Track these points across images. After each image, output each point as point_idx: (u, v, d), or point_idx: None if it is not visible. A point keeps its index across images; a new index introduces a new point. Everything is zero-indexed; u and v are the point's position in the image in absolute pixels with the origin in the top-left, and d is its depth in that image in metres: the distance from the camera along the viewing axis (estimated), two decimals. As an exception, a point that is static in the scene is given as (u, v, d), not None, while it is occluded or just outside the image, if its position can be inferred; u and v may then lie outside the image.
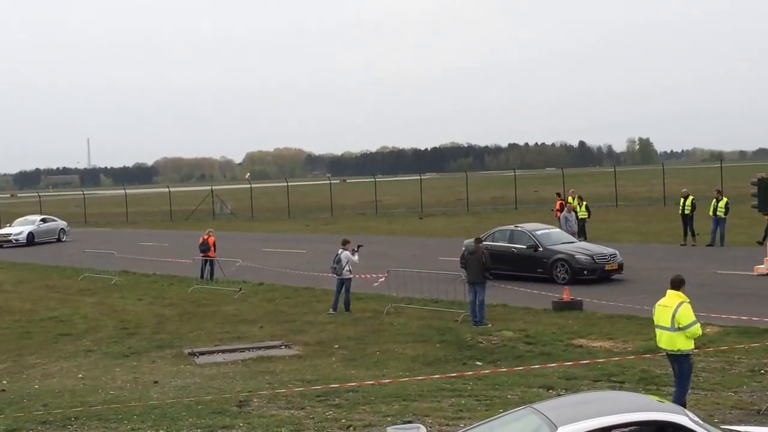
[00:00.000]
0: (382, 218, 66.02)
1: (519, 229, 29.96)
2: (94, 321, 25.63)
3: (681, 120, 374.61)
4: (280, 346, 21.20)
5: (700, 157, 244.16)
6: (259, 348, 20.93)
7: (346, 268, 24.78)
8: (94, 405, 15.65)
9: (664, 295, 13.47)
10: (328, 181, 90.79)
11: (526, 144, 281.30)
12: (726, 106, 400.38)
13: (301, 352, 20.47)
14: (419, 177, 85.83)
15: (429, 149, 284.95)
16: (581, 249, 28.68)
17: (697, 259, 32.02)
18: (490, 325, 21.89)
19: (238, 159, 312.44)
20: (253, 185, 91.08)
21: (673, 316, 13.04)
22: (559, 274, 27.77)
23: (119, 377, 18.48)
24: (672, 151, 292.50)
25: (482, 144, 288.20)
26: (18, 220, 57.28)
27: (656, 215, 53.95)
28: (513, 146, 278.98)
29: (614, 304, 23.81)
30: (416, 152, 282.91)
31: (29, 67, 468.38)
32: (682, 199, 37.50)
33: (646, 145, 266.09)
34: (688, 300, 13.27)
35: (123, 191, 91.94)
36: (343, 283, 24.85)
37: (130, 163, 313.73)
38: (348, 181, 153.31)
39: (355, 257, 25.17)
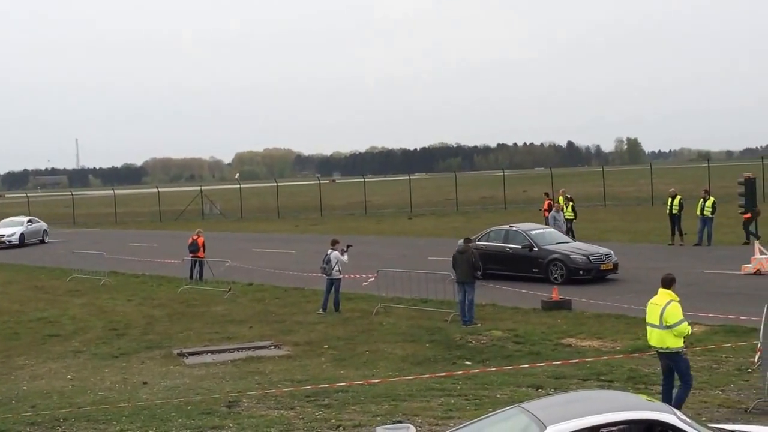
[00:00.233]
0: (371, 218, 66.03)
1: (514, 229, 29.97)
2: (82, 322, 25.55)
3: (669, 120, 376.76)
4: (270, 346, 21.18)
5: (687, 157, 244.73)
6: (249, 348, 20.90)
7: (336, 268, 24.78)
8: (82, 406, 15.60)
9: (655, 294, 13.51)
10: (318, 182, 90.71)
11: (515, 144, 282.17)
12: (713, 107, 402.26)
13: (290, 352, 20.45)
14: (408, 177, 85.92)
15: (418, 149, 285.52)
16: (576, 249, 28.71)
17: (684, 258, 32.10)
18: (479, 325, 21.91)
19: (227, 159, 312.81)
20: (242, 185, 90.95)
21: (662, 314, 13.10)
22: (554, 274, 27.79)
23: (108, 378, 18.43)
24: (660, 151, 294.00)
25: (471, 144, 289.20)
26: (4, 221, 56.93)
27: (644, 215, 54.07)
28: (502, 146, 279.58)
29: (603, 303, 23.86)
30: (405, 152, 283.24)
31: (17, 67, 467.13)
32: (669, 199, 37.60)
33: (634, 145, 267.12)
34: (677, 299, 13.31)
35: (112, 192, 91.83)
36: (333, 284, 24.85)
37: (118, 164, 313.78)
38: (337, 181, 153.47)
39: (345, 257, 25.17)
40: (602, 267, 27.92)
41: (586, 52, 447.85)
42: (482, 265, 28.60)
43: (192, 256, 32.80)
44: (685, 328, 13.17)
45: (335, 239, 25.96)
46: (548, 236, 29.59)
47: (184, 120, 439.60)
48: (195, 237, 33.02)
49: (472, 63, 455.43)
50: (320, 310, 24.92)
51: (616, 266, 28.26)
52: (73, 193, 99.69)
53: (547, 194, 46.98)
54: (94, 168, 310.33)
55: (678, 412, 9.26)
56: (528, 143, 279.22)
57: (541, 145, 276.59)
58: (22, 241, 53.41)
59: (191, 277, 32.52)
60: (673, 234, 37.09)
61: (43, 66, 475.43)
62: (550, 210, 40.40)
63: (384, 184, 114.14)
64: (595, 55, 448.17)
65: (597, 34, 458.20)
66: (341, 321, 23.66)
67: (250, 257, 38.84)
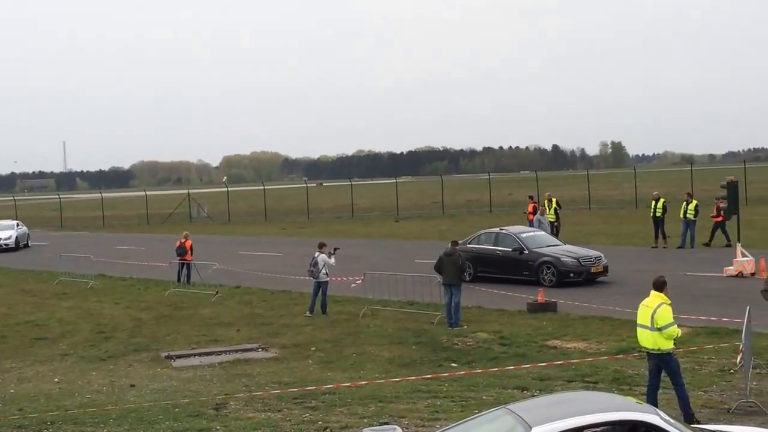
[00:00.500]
0: (358, 221, 66.05)
1: (504, 231, 30.02)
2: (70, 325, 25.45)
3: (652, 124, 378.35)
4: (257, 348, 21.14)
5: (671, 161, 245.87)
6: (236, 351, 20.85)
7: (323, 271, 24.78)
8: (70, 409, 15.55)
9: (643, 296, 13.57)
10: (305, 185, 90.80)
11: (501, 148, 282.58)
12: (696, 112, 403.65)
13: (277, 354, 20.42)
14: (395, 180, 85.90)
15: (405, 153, 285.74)
16: (567, 252, 28.75)
17: (668, 260, 32.22)
18: (465, 327, 21.93)
19: (214, 162, 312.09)
20: (229, 189, 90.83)
21: (653, 317, 13.15)
22: (545, 277, 27.82)
23: (95, 381, 18.36)
24: (644, 154, 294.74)
25: (457, 147, 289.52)
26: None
27: (628, 218, 54.25)
28: (488, 150, 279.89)
29: (588, 305, 23.92)
30: (392, 156, 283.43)
31: (5, 72, 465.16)
32: (653, 202, 37.75)
33: (618, 148, 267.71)
34: (669, 302, 13.37)
35: (99, 195, 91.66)
36: (320, 286, 24.83)
37: (106, 167, 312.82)
38: (324, 184, 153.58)
39: (332, 260, 25.16)
40: (592, 270, 27.98)
41: (571, 59, 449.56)
42: (473, 268, 28.91)
43: (179, 259, 32.72)
44: (675, 330, 13.24)
45: (322, 242, 25.94)
46: (539, 239, 29.67)
47: (171, 123, 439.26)
48: (182, 240, 32.93)
49: (457, 70, 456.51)
50: (307, 312, 24.90)
51: (606, 269, 28.33)
52: (61, 196, 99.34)
53: (531, 197, 47.08)
54: (82, 171, 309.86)
55: (661, 413, 9.30)
56: (513, 147, 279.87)
57: (527, 148, 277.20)
58: (18, 245, 53.21)
59: (179, 280, 32.43)
60: (656, 237, 37.22)
61: (31, 70, 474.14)
62: (534, 213, 40.54)
63: (371, 188, 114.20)
64: (581, 62, 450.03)
65: (582, 43, 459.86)
66: (328, 323, 23.64)
67: (238, 260, 38.80)
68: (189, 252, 32.76)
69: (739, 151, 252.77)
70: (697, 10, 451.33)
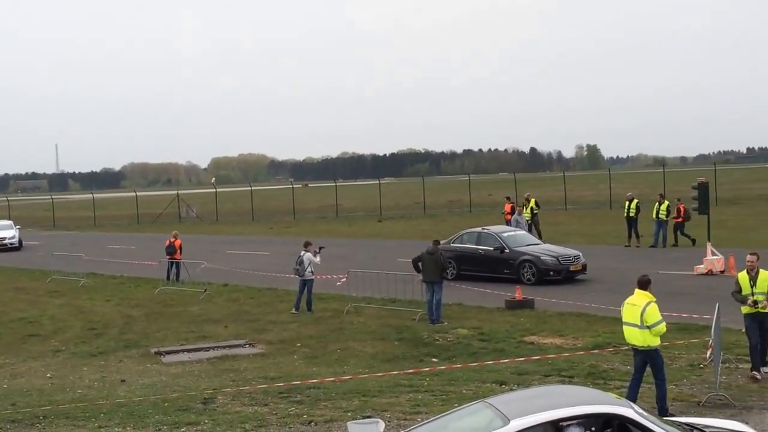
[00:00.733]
0: (342, 221, 66.01)
1: (486, 231, 30.07)
2: (62, 322, 25.34)
3: (626, 128, 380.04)
4: (244, 345, 21.09)
5: (644, 163, 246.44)
6: (224, 347, 20.81)
7: (309, 269, 24.74)
8: (62, 404, 15.48)
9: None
10: (291, 186, 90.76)
11: (480, 150, 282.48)
12: (669, 116, 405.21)
13: (264, 350, 20.38)
14: (378, 182, 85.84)
15: (387, 155, 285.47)
16: (547, 250, 28.82)
17: (640, 259, 32.33)
18: (445, 324, 21.94)
19: (203, 164, 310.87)
20: (218, 190, 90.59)
21: (642, 315, 13.17)
22: (525, 275, 27.88)
23: (87, 376, 18.28)
24: (618, 156, 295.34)
25: (438, 150, 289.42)
26: None
27: (603, 218, 54.40)
28: (468, 152, 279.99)
29: (564, 302, 23.98)
30: (375, 158, 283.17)
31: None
32: (627, 203, 37.89)
33: (593, 151, 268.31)
34: (654, 300, 13.41)
35: (91, 195, 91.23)
36: (306, 284, 24.80)
37: (97, 168, 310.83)
38: (310, 185, 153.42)
39: (317, 258, 25.14)
40: (571, 268, 28.05)
41: (548, 67, 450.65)
42: (457, 266, 28.97)
43: (169, 258, 32.64)
44: (663, 327, 13.31)
45: (308, 241, 25.91)
46: (519, 238, 29.75)
47: (161, 126, 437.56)
48: (172, 239, 32.85)
49: (439, 77, 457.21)
50: (293, 309, 24.86)
51: (584, 267, 28.43)
52: (53, 196, 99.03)
53: (508, 198, 47.19)
54: (74, 172, 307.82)
55: (635, 406, 9.33)
56: (493, 149, 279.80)
57: (505, 151, 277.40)
58: (21, 244, 52.77)
59: (168, 278, 32.35)
60: (629, 236, 37.36)
61: (24, 75, 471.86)
62: (512, 213, 40.68)
63: (355, 189, 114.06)
64: (558, 69, 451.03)
65: (558, 52, 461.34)
66: (313, 320, 23.61)
67: (226, 259, 38.72)
68: (178, 251, 32.68)
69: (709, 153, 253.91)
70: (670, 20, 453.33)
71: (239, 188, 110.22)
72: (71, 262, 35.25)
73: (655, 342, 13.28)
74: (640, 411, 9.22)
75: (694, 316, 20.22)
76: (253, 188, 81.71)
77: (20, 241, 52.99)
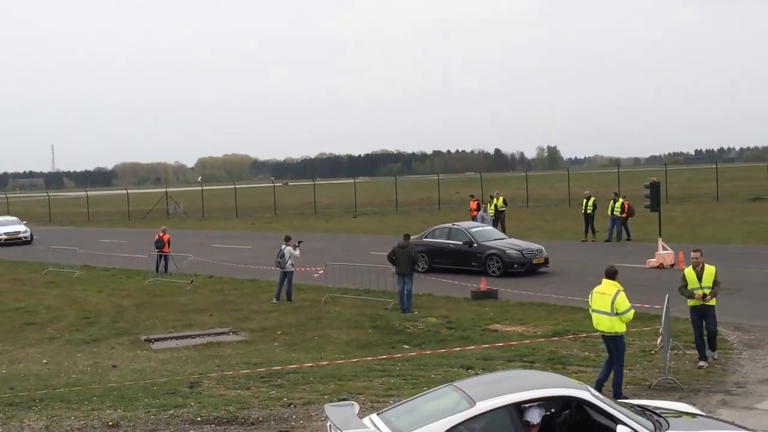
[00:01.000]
0: (320, 217, 65.89)
1: (456, 227, 30.13)
2: (57, 311, 25.16)
3: (584, 131, 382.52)
4: (228, 332, 21.02)
5: (600, 164, 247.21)
6: (209, 334, 20.73)
7: (289, 261, 24.70)
8: (57, 388, 15.37)
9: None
10: (272, 184, 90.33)
11: (449, 151, 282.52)
12: (623, 120, 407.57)
13: (247, 337, 20.32)
14: (353, 180, 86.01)
15: (362, 156, 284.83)
16: (511, 245, 28.91)
17: (596, 253, 32.50)
18: (416, 313, 21.96)
19: (190, 164, 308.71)
20: (203, 188, 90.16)
21: (612, 303, 13.24)
22: (492, 268, 27.92)
23: (81, 362, 18.16)
24: (576, 157, 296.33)
25: (410, 151, 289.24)
26: (2, 219, 55.18)
27: (562, 215, 54.62)
28: (437, 153, 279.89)
29: (526, 293, 24.06)
30: (351, 158, 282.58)
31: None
32: (584, 200, 38.10)
33: (553, 152, 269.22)
34: (622, 288, 13.49)
35: (85, 193, 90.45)
36: (286, 275, 24.75)
37: (91, 167, 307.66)
38: (290, 184, 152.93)
39: (297, 252, 25.10)
40: (534, 261, 28.15)
41: (512, 74, 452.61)
42: (429, 260, 29.03)
43: (158, 252, 32.48)
44: (632, 314, 13.41)
45: (288, 236, 25.86)
46: (486, 233, 29.82)
47: (151, 128, 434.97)
48: (161, 234, 32.70)
49: (410, 83, 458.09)
50: (274, 299, 24.81)
51: (546, 260, 28.53)
52: (49, 194, 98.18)
53: (472, 195, 47.33)
54: (69, 171, 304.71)
55: (591, 389, 9.37)
56: (460, 150, 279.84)
57: (472, 152, 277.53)
58: (32, 238, 52.19)
59: (157, 270, 32.18)
60: (586, 231, 37.55)
61: (21, 79, 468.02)
62: (478, 210, 40.81)
63: (332, 187, 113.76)
64: (521, 76, 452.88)
65: (521, 60, 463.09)
66: (293, 309, 23.57)
67: (211, 252, 38.56)
68: (166, 245, 32.53)
69: (660, 155, 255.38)
70: (623, 33, 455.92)
71: (224, 186, 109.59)
72: (66, 255, 35.02)
73: (621, 329, 13.38)
74: (596, 394, 9.27)
75: (646, 306, 20.33)
76: (236, 186, 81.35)
77: (31, 235, 52.39)
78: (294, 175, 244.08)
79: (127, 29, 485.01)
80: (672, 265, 27.73)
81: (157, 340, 20.35)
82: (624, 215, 36.56)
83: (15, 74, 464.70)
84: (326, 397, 13.65)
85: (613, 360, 13.50)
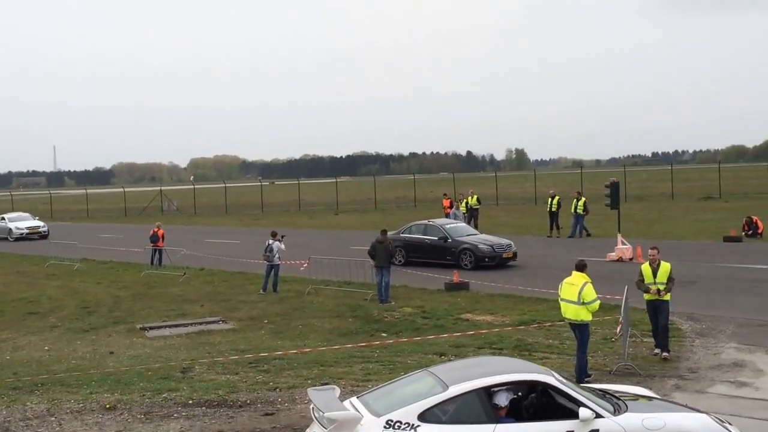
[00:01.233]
0: (304, 214, 65.75)
1: (431, 223, 30.12)
2: (58, 301, 24.98)
3: (549, 134, 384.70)
4: (218, 321, 20.94)
5: (564, 165, 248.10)
6: (200, 323, 20.64)
7: (277, 255, 24.67)
8: (58, 373, 15.28)
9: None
10: (259, 183, 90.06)
11: (424, 153, 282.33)
12: (585, 125, 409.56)
13: (235, 326, 20.24)
14: (335, 180, 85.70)
15: (344, 157, 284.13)
16: (483, 240, 28.91)
17: (560, 248, 32.62)
18: (393, 303, 21.95)
19: (183, 164, 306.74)
20: (195, 186, 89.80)
21: (580, 293, 13.30)
22: (464, 261, 27.92)
23: (80, 349, 18.04)
24: (542, 159, 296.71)
25: (388, 153, 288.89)
26: (18, 215, 54.61)
27: (529, 212, 54.75)
28: (413, 155, 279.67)
29: (495, 284, 24.10)
30: (333, 159, 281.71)
31: (1, 84, 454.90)
32: (549, 199, 38.20)
33: (521, 154, 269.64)
34: (590, 280, 13.55)
35: (84, 191, 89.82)
36: (273, 268, 24.71)
37: (90, 167, 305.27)
38: (276, 183, 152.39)
39: (282, 245, 25.05)
40: (504, 255, 28.17)
41: (483, 82, 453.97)
42: (406, 254, 29.04)
43: (153, 246, 32.33)
44: (598, 304, 13.51)
45: (275, 231, 25.86)
46: (460, 230, 29.83)
47: (147, 130, 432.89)
48: (155, 229, 32.59)
49: (388, 90, 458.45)
50: (261, 290, 24.75)
51: (515, 255, 28.55)
52: (51, 192, 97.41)
53: (445, 194, 47.39)
54: (69, 171, 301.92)
55: (556, 374, 9.40)
56: (434, 152, 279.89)
57: (445, 153, 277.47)
58: (49, 232, 51.56)
59: (152, 263, 32.01)
60: (551, 228, 37.67)
61: (26, 83, 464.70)
62: (451, 207, 40.89)
63: (315, 186, 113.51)
64: (491, 84, 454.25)
65: (491, 69, 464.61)
66: (278, 300, 23.51)
67: (202, 246, 38.42)
68: (161, 239, 32.43)
69: (620, 157, 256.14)
70: (589, 44, 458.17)
71: (214, 185, 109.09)
72: (67, 249, 34.81)
73: (587, 318, 13.48)
74: (560, 378, 9.31)
75: (607, 296, 20.32)
76: (226, 185, 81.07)
77: (48, 230, 51.79)
78: (280, 174, 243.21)
79: (126, 40, 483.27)
80: (630, 259, 27.86)
81: (151, 328, 20.24)
82: (584, 213, 36.72)
83: (19, 80, 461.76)
84: (309, 381, 13.64)
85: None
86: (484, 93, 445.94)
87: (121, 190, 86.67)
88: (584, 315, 13.42)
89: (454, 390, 8.73)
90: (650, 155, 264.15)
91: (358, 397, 9.46)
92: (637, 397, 10.04)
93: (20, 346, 18.79)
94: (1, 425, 11.92)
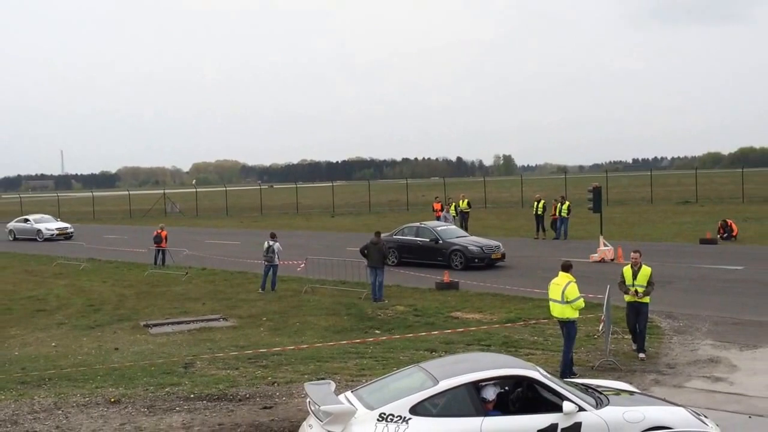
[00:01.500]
0: (301, 217, 65.70)
1: (423, 225, 30.12)
2: (65, 299, 24.91)
3: (535, 141, 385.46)
4: (219, 318, 20.90)
5: (549, 170, 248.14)
6: (202, 320, 20.60)
7: (276, 255, 24.66)
8: (64, 368, 15.24)
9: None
10: (259, 187, 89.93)
11: (416, 158, 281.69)
12: (569, 132, 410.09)
13: (235, 323, 20.22)
14: (332, 184, 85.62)
15: (339, 162, 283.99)
16: (473, 242, 28.90)
17: (546, 249, 32.65)
18: (386, 302, 21.94)
19: (186, 168, 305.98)
20: (198, 189, 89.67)
21: (563, 292, 13.34)
22: (455, 262, 27.90)
23: (86, 345, 18.00)
24: (528, 165, 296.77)
25: (381, 158, 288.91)
26: (42, 216, 54.18)
27: (516, 215, 54.83)
28: (405, 160, 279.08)
29: (483, 284, 24.11)
30: (329, 164, 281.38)
31: (11, 89, 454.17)
32: (535, 203, 38.25)
33: (509, 160, 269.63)
34: (574, 280, 13.59)
35: (90, 194, 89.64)
36: (272, 268, 24.68)
37: (96, 171, 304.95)
38: (274, 186, 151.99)
39: (280, 246, 25.06)
40: (493, 256, 28.16)
41: (474, 92, 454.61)
42: (398, 255, 29.03)
43: (156, 246, 32.30)
44: (581, 302, 13.51)
45: (273, 233, 25.83)
46: (450, 232, 29.82)
47: (151, 135, 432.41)
48: (159, 230, 32.55)
49: (382, 100, 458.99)
50: (260, 289, 24.72)
51: (503, 255, 28.52)
52: (59, 194, 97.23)
53: (437, 198, 47.39)
54: (77, 174, 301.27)
55: (541, 369, 9.42)
56: (426, 158, 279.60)
57: (436, 159, 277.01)
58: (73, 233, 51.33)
59: (155, 263, 31.97)
60: (537, 230, 37.71)
61: (36, 90, 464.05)
62: (442, 210, 40.91)
63: (312, 189, 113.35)
64: (481, 93, 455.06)
65: (481, 79, 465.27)
66: (277, 298, 23.48)
67: (204, 247, 38.35)
68: (164, 240, 32.39)
69: (602, 163, 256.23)
70: (573, 55, 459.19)
71: (216, 188, 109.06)
72: (74, 249, 34.76)
73: (573, 315, 13.51)
74: (545, 373, 9.33)
75: (590, 295, 20.35)
76: (227, 189, 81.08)
77: (73, 232, 51.30)
78: (279, 178, 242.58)
79: (133, 49, 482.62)
80: (612, 260, 27.92)
81: (155, 325, 20.21)
82: (555, 216, 36.85)
83: (29, 86, 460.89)
84: (306, 376, 13.62)
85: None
86: (474, 102, 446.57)
87: (126, 193, 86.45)
88: (569, 313, 13.47)
89: (444, 384, 8.75)
90: (631, 161, 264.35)
91: (352, 392, 9.46)
92: (618, 391, 10.06)
93: (28, 342, 18.73)
94: (9, 418, 11.88)
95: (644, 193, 70.34)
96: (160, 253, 32.26)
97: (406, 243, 29.38)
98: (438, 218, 39.16)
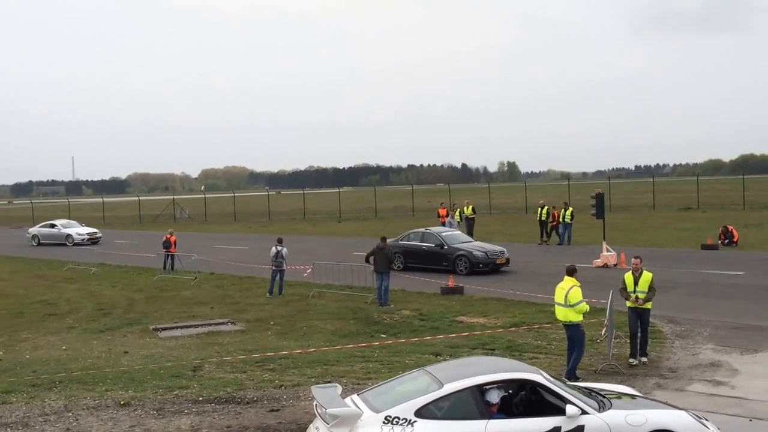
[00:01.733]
0: (308, 222, 65.74)
1: (428, 231, 30.14)
2: (75, 303, 24.95)
3: (539, 148, 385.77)
4: (227, 322, 20.92)
5: (553, 177, 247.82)
6: (210, 324, 20.62)
7: (284, 260, 24.68)
8: (75, 371, 15.25)
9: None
10: (267, 193, 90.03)
11: (421, 165, 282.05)
12: (573, 139, 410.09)
13: (243, 327, 20.22)
14: (338, 190, 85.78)
15: (346, 168, 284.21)
16: (478, 247, 28.89)
17: (550, 254, 32.62)
18: (392, 306, 21.94)
19: (195, 174, 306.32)
20: (206, 195, 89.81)
21: (566, 296, 13.35)
22: (460, 267, 27.89)
23: (96, 348, 18.01)
24: (532, 171, 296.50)
25: (387, 165, 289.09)
26: (69, 222, 54.01)
27: (520, 221, 54.77)
28: (411, 166, 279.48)
29: (488, 289, 24.08)
30: (336, 170, 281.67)
31: (24, 98, 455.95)
32: (539, 209, 38.26)
33: (513, 166, 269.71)
34: (578, 284, 13.61)
35: (101, 199, 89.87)
36: (279, 273, 24.69)
37: (107, 177, 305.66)
38: (282, 192, 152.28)
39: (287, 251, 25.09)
40: (497, 261, 28.15)
41: (476, 102, 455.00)
42: (404, 260, 29.05)
43: (165, 251, 32.35)
44: (584, 306, 13.54)
45: (280, 238, 25.86)
46: (455, 237, 29.83)
47: (160, 142, 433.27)
48: (168, 236, 32.61)
49: (387, 110, 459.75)
50: (267, 294, 24.73)
51: (508, 261, 28.51)
52: (69, 200, 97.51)
53: (442, 203, 47.41)
54: (87, 180, 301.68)
55: (544, 373, 9.42)
56: (431, 164, 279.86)
57: (442, 165, 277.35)
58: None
59: (165, 267, 32.03)
60: (541, 236, 37.70)
61: (47, 98, 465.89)
62: (447, 215, 40.94)
63: (319, 195, 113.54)
64: (484, 104, 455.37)
65: (483, 90, 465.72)
66: (284, 303, 23.49)
67: (212, 252, 38.39)
68: (173, 245, 32.44)
69: (605, 169, 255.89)
70: (577, 67, 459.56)
71: (224, 194, 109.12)
72: (84, 253, 34.81)
73: (576, 318, 13.51)
74: (548, 377, 9.32)
75: (593, 300, 20.34)
76: (235, 194, 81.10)
77: (101, 237, 51.34)
78: (286, 185, 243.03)
79: (142, 58, 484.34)
80: (615, 265, 27.89)
81: (164, 329, 20.22)
82: (554, 223, 36.85)
83: (40, 93, 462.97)
84: (313, 379, 13.62)
85: (572, 346, 13.61)
86: (479, 110, 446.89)
87: (136, 198, 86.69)
88: (573, 316, 13.47)
89: (449, 388, 8.75)
90: (633, 168, 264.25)
91: (358, 395, 9.47)
92: (620, 395, 10.06)
93: (39, 345, 18.77)
94: (20, 420, 11.91)
95: (646, 199, 70.18)
96: (170, 258, 32.31)
97: (412, 248, 29.38)
98: (443, 224, 39.17)
